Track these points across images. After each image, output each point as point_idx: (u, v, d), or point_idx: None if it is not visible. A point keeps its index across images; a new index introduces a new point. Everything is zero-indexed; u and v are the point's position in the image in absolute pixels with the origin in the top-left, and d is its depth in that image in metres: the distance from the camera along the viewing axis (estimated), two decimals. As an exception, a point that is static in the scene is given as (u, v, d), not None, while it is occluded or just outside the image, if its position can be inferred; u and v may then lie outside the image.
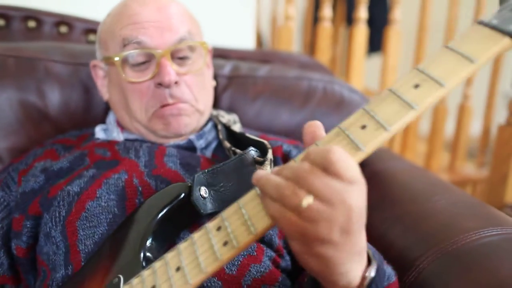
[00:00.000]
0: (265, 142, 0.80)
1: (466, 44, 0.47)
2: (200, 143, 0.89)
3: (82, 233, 0.72)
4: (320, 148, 0.45)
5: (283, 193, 0.45)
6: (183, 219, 0.69)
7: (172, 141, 0.88)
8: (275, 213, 0.46)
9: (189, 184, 0.68)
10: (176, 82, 0.82)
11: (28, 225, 0.79)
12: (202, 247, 0.50)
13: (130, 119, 0.88)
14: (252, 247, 0.71)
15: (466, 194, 0.92)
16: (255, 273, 0.68)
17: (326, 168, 0.44)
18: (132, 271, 0.58)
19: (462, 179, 2.28)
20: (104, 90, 0.94)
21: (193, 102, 0.86)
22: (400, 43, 1.97)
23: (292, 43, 1.85)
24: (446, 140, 2.44)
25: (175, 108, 0.84)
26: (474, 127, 2.50)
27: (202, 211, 0.66)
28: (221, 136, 0.88)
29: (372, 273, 0.53)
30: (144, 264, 0.60)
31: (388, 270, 0.65)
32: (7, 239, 0.82)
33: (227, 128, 0.92)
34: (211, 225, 0.51)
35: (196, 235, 0.51)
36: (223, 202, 0.67)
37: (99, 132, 0.92)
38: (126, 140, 0.89)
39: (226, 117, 0.99)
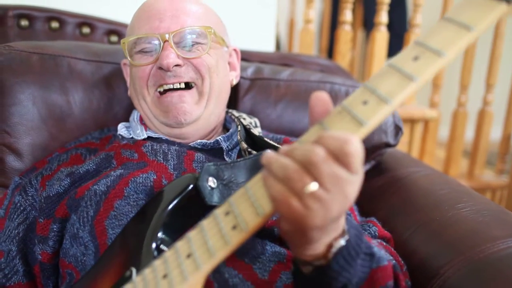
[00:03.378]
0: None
1: (463, 13, 0.47)
2: (226, 144, 0.88)
3: (111, 232, 0.72)
4: (336, 135, 0.45)
5: (290, 175, 0.45)
6: (195, 211, 0.68)
7: (199, 140, 0.88)
8: (277, 194, 0.45)
9: (198, 176, 0.67)
10: (178, 65, 0.83)
11: (55, 229, 0.79)
12: (210, 232, 0.50)
13: (144, 106, 0.89)
14: (283, 254, 0.71)
15: (490, 201, 0.91)
16: (285, 279, 0.68)
17: (340, 158, 0.44)
18: (144, 263, 0.59)
19: (481, 186, 2.25)
20: (128, 86, 0.96)
21: (198, 81, 0.86)
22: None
23: (312, 46, 1.84)
24: (465, 146, 2.40)
25: (176, 95, 0.84)
26: (494, 133, 2.46)
27: (206, 199, 0.65)
28: (239, 137, 0.88)
29: (341, 242, 0.53)
30: (156, 255, 0.61)
31: (380, 253, 0.64)
32: (23, 245, 0.83)
33: (246, 130, 0.92)
34: (219, 210, 0.51)
35: (205, 222, 0.51)
36: None
37: (122, 129, 0.92)
38: (150, 138, 0.89)
39: (247, 120, 0.98)
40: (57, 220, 0.79)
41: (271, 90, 1.16)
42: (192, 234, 0.52)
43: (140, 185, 0.76)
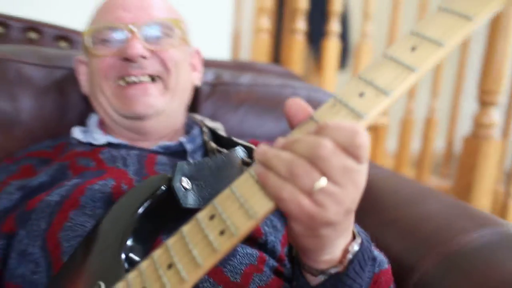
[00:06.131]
0: (253, 147, 0.77)
1: (461, 2, 0.45)
2: (190, 146, 0.86)
3: (66, 245, 0.66)
4: (343, 126, 0.42)
5: (296, 172, 0.41)
6: (168, 215, 0.64)
7: (161, 142, 0.85)
8: (283, 194, 0.42)
9: (170, 176, 0.63)
10: (144, 57, 0.81)
11: (0, 246, 0.72)
12: (194, 239, 0.45)
13: (103, 101, 0.85)
14: (254, 256, 0.68)
15: (453, 198, 0.94)
16: (258, 281, 0.66)
17: (350, 150, 0.42)
18: (114, 276, 0.53)
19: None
20: (84, 84, 0.93)
21: (164, 74, 0.83)
22: (371, 57, 2.01)
23: (266, 54, 1.85)
24: (411, 155, 2.48)
25: (141, 88, 0.81)
26: (437, 141, 2.57)
27: (181, 201, 0.61)
28: (206, 138, 0.86)
29: (355, 247, 0.52)
30: (127, 267, 0.56)
31: (380, 256, 0.64)
32: None
33: (212, 131, 0.90)
34: (202, 214, 0.46)
35: (186, 228, 0.47)
36: (205, 200, 0.62)
37: (77, 133, 0.88)
38: (110, 144, 0.85)
39: (211, 124, 0.97)
40: (2, 236, 0.72)
41: (231, 95, 1.15)
42: (171, 242, 0.47)
43: (97, 192, 0.70)
